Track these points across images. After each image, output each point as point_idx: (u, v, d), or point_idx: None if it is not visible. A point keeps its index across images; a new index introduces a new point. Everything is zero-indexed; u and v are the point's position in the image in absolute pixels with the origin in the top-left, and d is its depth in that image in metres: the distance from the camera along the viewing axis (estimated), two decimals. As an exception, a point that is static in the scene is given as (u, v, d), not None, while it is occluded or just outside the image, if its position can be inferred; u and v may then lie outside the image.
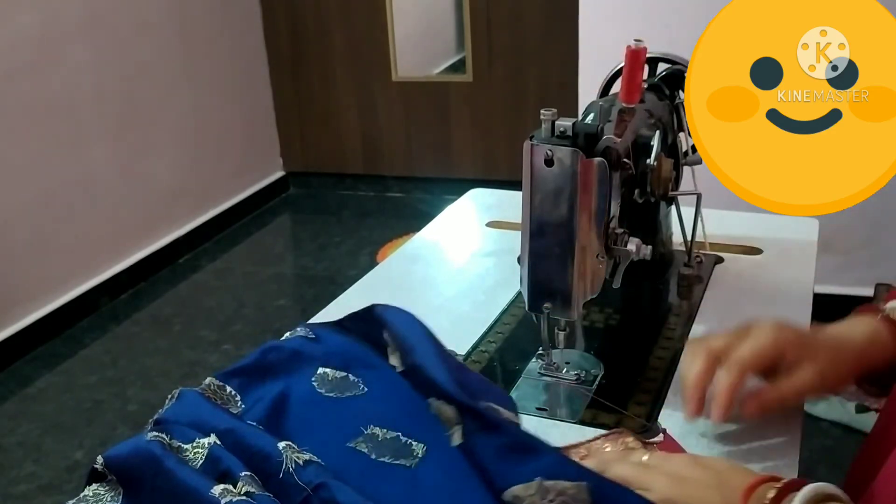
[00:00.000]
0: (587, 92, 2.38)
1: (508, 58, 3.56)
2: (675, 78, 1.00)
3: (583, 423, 0.76)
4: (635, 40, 0.80)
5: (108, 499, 0.61)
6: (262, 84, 3.85)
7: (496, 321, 0.96)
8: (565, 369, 0.83)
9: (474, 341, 0.91)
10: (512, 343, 0.91)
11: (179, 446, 0.62)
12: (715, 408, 0.70)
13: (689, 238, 1.02)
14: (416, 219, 3.20)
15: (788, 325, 0.73)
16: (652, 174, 0.87)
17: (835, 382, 0.73)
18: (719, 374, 0.71)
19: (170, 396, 0.69)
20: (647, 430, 0.75)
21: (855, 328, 0.74)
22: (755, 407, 0.71)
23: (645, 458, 0.67)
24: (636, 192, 0.87)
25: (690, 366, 0.72)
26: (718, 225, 1.13)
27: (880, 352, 0.72)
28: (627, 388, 0.81)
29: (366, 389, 0.71)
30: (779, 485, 0.57)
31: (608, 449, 0.70)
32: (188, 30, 3.29)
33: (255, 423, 0.66)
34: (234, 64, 3.61)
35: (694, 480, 0.62)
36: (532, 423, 0.76)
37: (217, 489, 0.57)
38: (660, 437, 0.73)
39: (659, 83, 1.00)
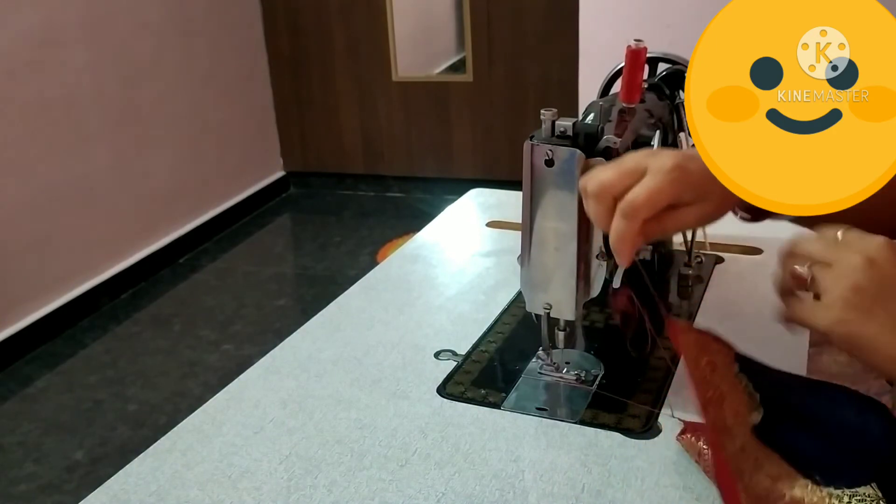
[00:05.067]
0: (587, 92, 2.38)
1: (508, 58, 3.56)
2: (675, 78, 1.00)
3: (583, 422, 0.76)
4: (635, 40, 0.80)
5: None
6: (262, 84, 3.85)
7: (496, 321, 0.96)
8: (565, 369, 0.83)
9: (474, 341, 0.92)
10: (512, 343, 0.91)
11: None
12: (620, 258, 0.68)
13: (689, 238, 1.02)
14: (416, 219, 3.21)
15: (690, 163, 0.67)
16: (652, 174, 0.86)
17: (720, 214, 0.71)
18: (616, 222, 0.67)
19: None
20: (648, 429, 0.75)
21: None
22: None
23: (839, 233, 0.61)
24: (636, 192, 0.87)
25: (587, 204, 0.69)
26: (718, 225, 1.12)
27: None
28: (627, 388, 0.81)
29: None
30: None
31: None
32: (188, 30, 3.29)
33: None
34: (233, 64, 3.61)
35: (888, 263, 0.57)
36: (532, 424, 0.76)
37: None
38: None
39: (659, 83, 1.00)
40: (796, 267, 0.61)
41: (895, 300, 0.56)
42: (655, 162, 0.67)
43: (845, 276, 0.57)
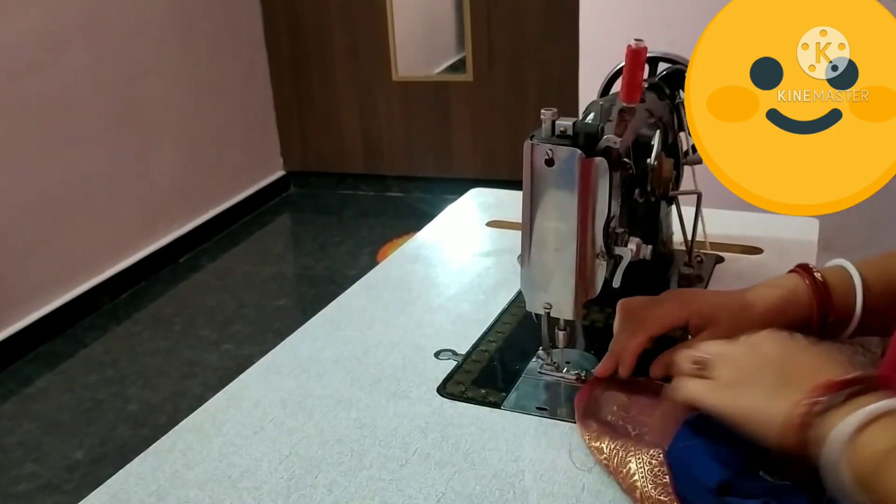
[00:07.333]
0: (587, 92, 2.38)
1: (508, 58, 3.56)
2: (676, 77, 1.00)
3: (583, 422, 0.76)
4: (635, 40, 0.80)
5: None
6: (262, 84, 3.85)
7: (496, 321, 0.96)
8: (565, 369, 0.83)
9: (474, 341, 0.92)
10: (512, 343, 0.91)
11: None
12: (620, 366, 0.78)
13: (689, 238, 1.02)
14: (416, 219, 3.20)
15: (696, 294, 0.81)
16: (652, 174, 0.86)
17: None
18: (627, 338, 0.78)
19: None
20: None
21: (769, 289, 0.76)
22: (657, 367, 0.77)
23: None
24: (636, 191, 0.87)
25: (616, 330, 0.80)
26: (718, 225, 1.13)
27: (794, 311, 0.74)
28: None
29: None
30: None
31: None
32: (188, 30, 3.29)
33: None
34: (234, 64, 3.61)
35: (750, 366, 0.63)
36: (532, 423, 0.76)
37: None
38: None
39: (659, 83, 1.00)
40: (696, 354, 0.67)
41: (772, 375, 0.61)
42: (668, 293, 0.81)
43: (731, 360, 0.64)
